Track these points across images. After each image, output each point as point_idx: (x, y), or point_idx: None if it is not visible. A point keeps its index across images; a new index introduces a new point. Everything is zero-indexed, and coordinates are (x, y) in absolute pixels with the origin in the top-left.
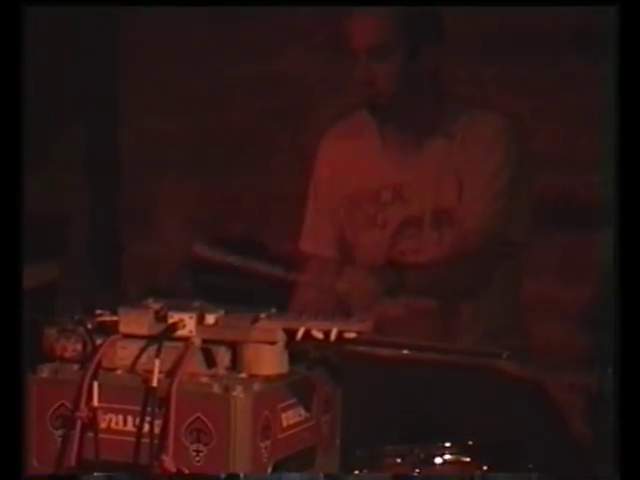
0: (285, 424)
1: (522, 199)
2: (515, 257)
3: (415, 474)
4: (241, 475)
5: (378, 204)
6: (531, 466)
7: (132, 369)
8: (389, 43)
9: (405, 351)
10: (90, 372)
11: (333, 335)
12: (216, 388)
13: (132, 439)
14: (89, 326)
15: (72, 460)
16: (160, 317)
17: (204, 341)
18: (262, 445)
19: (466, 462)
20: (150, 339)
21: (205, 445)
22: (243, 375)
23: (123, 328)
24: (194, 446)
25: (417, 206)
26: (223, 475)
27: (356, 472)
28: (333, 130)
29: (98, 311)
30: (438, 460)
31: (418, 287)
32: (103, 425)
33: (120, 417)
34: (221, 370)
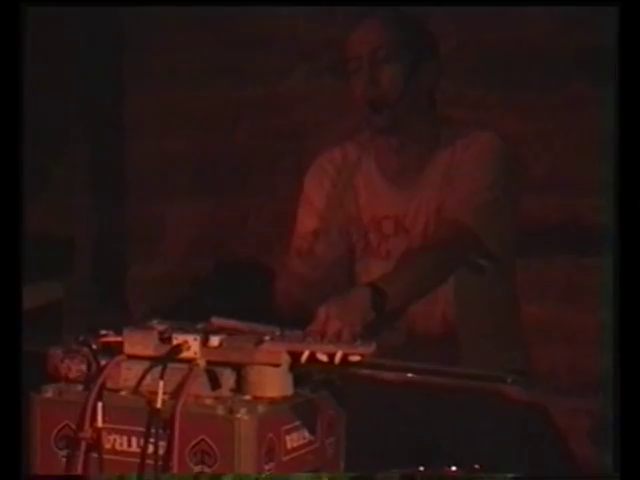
0: (289, 446)
1: (507, 216)
2: (507, 273)
3: None
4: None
5: (381, 235)
6: None
7: (136, 390)
8: (391, 48)
9: (409, 374)
10: (94, 393)
11: (337, 358)
12: (220, 410)
13: (136, 460)
14: (94, 346)
15: None
16: (165, 338)
17: (208, 363)
18: (266, 467)
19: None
20: (154, 360)
21: (209, 467)
22: (247, 397)
23: (128, 349)
24: (198, 468)
25: (420, 236)
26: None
27: None
28: (331, 152)
29: (102, 331)
30: None
31: (396, 301)
32: (107, 446)
33: (124, 438)
34: (225, 392)
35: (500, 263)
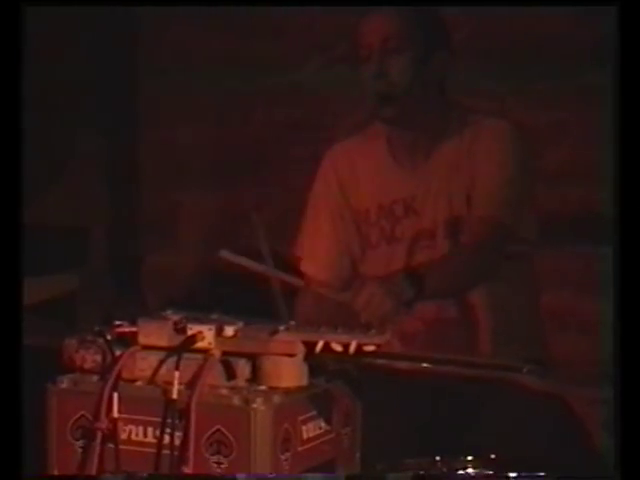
0: (305, 436)
1: (527, 201)
2: (527, 262)
3: None
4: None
5: (393, 219)
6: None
7: (152, 380)
8: (402, 38)
9: (424, 364)
10: (110, 383)
11: (352, 348)
12: (236, 400)
13: (152, 450)
14: (108, 337)
15: (93, 471)
16: (179, 329)
17: (223, 353)
18: (282, 457)
19: (489, 475)
20: (169, 351)
21: (225, 457)
22: (263, 387)
23: (142, 339)
24: (214, 458)
25: (429, 218)
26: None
27: None
28: (339, 146)
29: (117, 322)
30: (460, 473)
31: (434, 291)
32: (123, 436)
33: (140, 428)
34: (241, 382)
35: (536, 246)
